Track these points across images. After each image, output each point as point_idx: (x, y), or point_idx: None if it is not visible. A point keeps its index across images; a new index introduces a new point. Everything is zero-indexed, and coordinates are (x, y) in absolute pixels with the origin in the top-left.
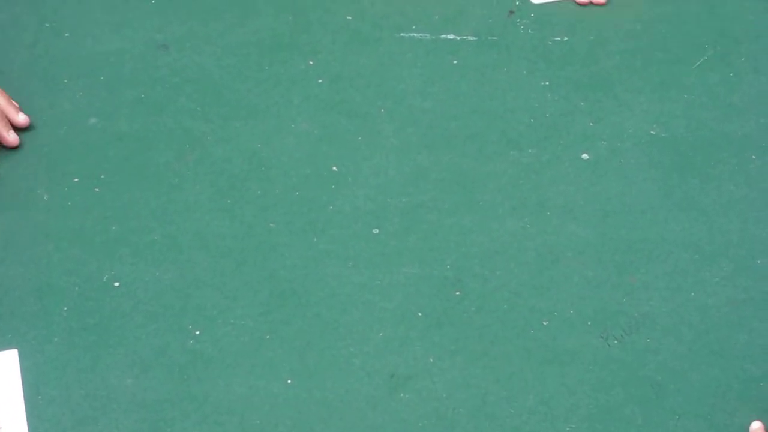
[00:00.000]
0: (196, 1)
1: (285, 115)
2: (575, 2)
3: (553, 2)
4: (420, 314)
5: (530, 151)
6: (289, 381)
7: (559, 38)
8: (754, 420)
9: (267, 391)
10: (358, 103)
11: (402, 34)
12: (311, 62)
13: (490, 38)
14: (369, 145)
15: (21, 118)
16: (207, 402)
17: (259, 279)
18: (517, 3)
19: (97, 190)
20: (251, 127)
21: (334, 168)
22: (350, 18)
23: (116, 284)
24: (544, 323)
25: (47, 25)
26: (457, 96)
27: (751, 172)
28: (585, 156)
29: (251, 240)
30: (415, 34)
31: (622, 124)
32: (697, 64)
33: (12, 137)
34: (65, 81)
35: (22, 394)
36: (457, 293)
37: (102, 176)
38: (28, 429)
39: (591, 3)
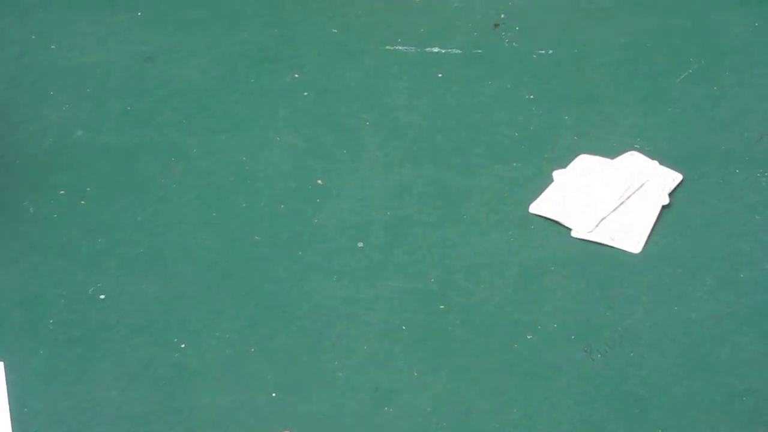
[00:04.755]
0: (182, 13)
1: (271, 128)
2: None
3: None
4: (404, 328)
5: (515, 164)
6: (273, 394)
7: (544, 51)
8: None
9: (252, 404)
10: (343, 116)
11: (387, 47)
12: (297, 75)
13: (475, 51)
14: (354, 159)
15: None
16: (192, 415)
17: (244, 292)
18: (502, 16)
19: (83, 202)
20: (237, 139)
21: (319, 181)
22: (336, 31)
23: (102, 297)
24: (528, 337)
25: (33, 37)
26: (442, 109)
27: (734, 186)
28: None
29: (236, 253)
30: (400, 47)
31: (606, 137)
32: (682, 77)
33: None
34: (51, 93)
35: (7, 406)
36: (442, 307)
37: (88, 189)
38: None
39: None
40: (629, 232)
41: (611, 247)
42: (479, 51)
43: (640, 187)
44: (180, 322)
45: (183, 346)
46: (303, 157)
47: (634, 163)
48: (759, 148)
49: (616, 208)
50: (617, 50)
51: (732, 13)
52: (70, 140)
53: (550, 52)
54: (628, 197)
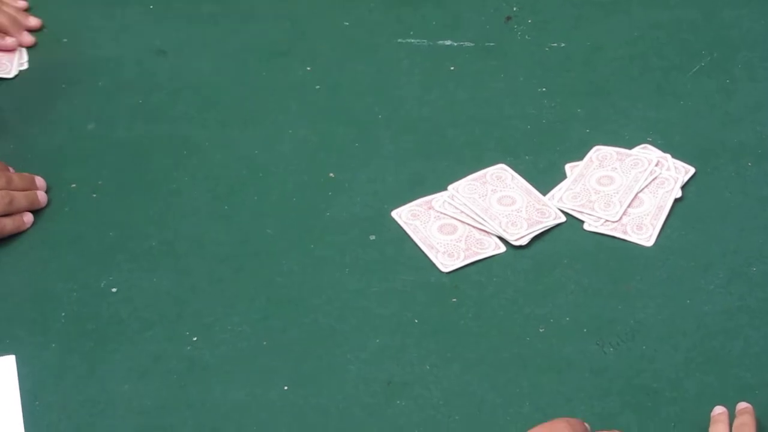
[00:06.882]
0: (193, 7)
1: (282, 122)
2: None
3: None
4: (416, 321)
5: (527, 157)
6: (285, 388)
7: (556, 44)
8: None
9: (264, 398)
10: (355, 109)
11: (399, 41)
12: (309, 69)
13: (487, 44)
14: (366, 152)
15: (32, 21)
16: (204, 408)
17: (256, 286)
18: (514, 9)
19: (94, 196)
20: (249, 133)
21: (331, 174)
22: (347, 24)
23: (114, 290)
24: (541, 330)
25: (46, 30)
26: (454, 102)
27: (746, 180)
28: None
29: (248, 246)
30: (412, 40)
31: (618, 131)
32: (694, 71)
33: (26, 38)
34: (63, 86)
35: (19, 400)
36: (454, 300)
37: (100, 182)
38: None
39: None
40: (642, 225)
41: (623, 240)
42: (491, 44)
43: (653, 180)
44: (192, 315)
45: (195, 339)
46: (315, 151)
47: (647, 156)
48: None
49: (631, 202)
50: (629, 43)
51: (744, 7)
52: (82, 134)
53: (563, 45)
54: (641, 190)
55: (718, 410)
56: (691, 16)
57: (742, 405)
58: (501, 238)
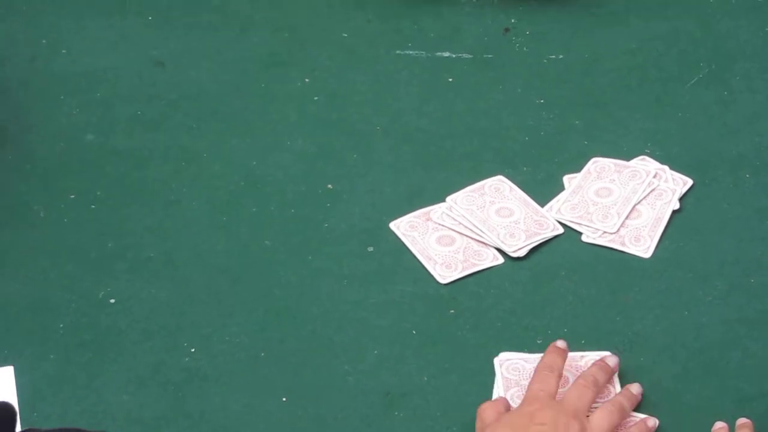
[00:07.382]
0: (192, 18)
1: (281, 132)
2: None
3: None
4: (414, 332)
5: (525, 169)
6: (284, 399)
7: (554, 56)
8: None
9: (262, 409)
10: (353, 120)
11: (398, 52)
12: (307, 80)
13: (485, 56)
14: (364, 163)
15: None
16: (202, 419)
17: (255, 296)
18: (512, 21)
19: (93, 206)
20: (247, 143)
21: (330, 186)
22: (346, 35)
23: (112, 301)
24: (539, 342)
25: (44, 41)
26: (452, 114)
27: (745, 191)
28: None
29: (246, 257)
30: (410, 52)
31: (616, 142)
32: (692, 82)
33: None
34: (62, 97)
35: (17, 410)
36: (452, 311)
37: (98, 192)
38: None
39: None
40: (639, 237)
41: (621, 251)
42: (490, 55)
43: (651, 191)
44: (190, 326)
45: (193, 350)
46: (313, 162)
47: (645, 168)
48: None
49: (629, 213)
50: (627, 55)
51: (742, 18)
52: (81, 144)
53: (561, 56)
54: (639, 202)
55: (719, 425)
56: (689, 28)
57: (742, 420)
58: (499, 250)
